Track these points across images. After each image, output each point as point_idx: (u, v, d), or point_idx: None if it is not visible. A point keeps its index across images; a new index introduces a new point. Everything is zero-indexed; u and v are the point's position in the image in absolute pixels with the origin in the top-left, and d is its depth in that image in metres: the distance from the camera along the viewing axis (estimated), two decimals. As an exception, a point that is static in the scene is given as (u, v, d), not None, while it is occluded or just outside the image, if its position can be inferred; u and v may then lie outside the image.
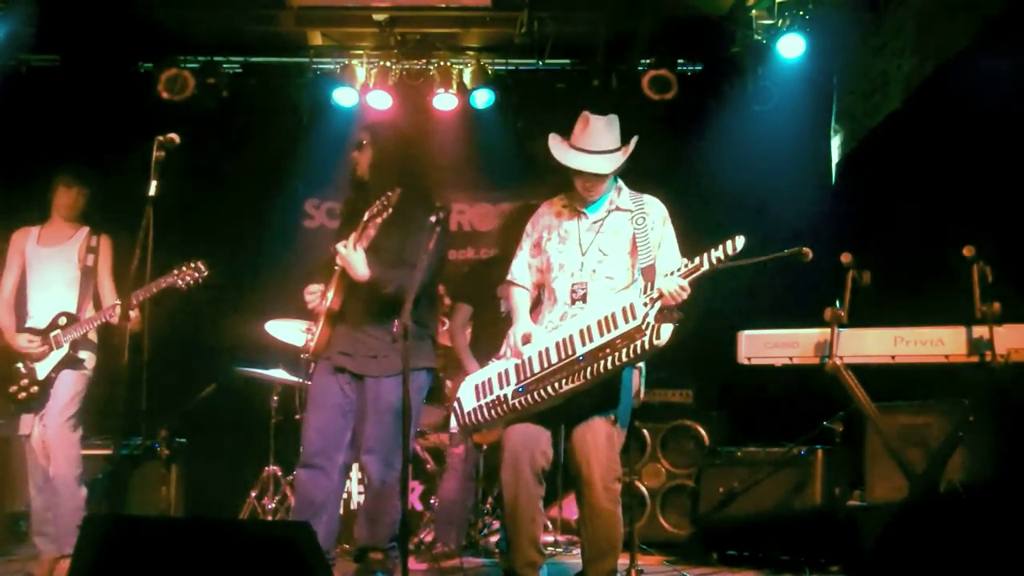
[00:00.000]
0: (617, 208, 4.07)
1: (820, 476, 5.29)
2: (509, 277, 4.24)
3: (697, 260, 3.77)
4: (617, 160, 4.00)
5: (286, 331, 5.94)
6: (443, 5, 6.93)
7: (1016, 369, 4.36)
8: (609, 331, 3.81)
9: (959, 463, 4.71)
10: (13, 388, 4.90)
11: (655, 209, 4.08)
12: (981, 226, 4.89)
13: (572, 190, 4.12)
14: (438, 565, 5.29)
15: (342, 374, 4.39)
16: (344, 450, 4.37)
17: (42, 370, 4.91)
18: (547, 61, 7.29)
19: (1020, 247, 4.82)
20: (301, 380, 5.95)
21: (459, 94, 7.23)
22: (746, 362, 4.88)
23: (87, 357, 4.98)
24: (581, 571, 4.05)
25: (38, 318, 5.00)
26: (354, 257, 4.22)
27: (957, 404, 4.85)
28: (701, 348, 5.48)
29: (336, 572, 4.31)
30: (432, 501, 5.98)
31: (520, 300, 4.18)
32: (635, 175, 4.21)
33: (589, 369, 3.80)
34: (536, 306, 4.20)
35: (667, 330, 3.73)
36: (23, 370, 4.90)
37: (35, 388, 4.89)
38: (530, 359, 3.96)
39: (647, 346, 3.73)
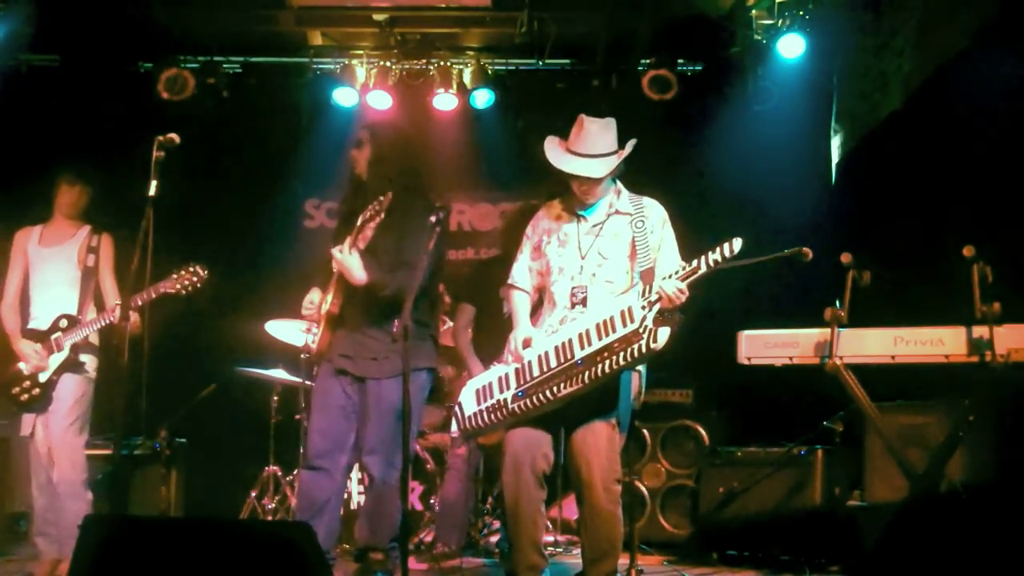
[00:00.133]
0: (617, 211, 4.06)
1: (820, 476, 5.29)
2: (509, 280, 4.24)
3: (695, 263, 3.77)
4: (611, 164, 3.99)
5: (286, 331, 5.94)
6: (443, 5, 6.93)
7: (1016, 369, 4.36)
8: (607, 335, 3.81)
9: (959, 463, 4.71)
10: (16, 390, 4.89)
11: (655, 212, 4.08)
12: (981, 226, 4.89)
13: (570, 193, 4.12)
14: (438, 565, 5.29)
15: (344, 376, 4.39)
16: (348, 452, 4.37)
17: (43, 372, 4.90)
18: (547, 61, 7.29)
19: (1020, 247, 4.82)
20: (301, 380, 5.95)
21: (459, 94, 7.24)
22: (746, 362, 4.88)
23: (88, 360, 4.96)
24: (581, 571, 4.05)
25: (40, 319, 4.99)
26: (350, 261, 4.22)
27: (957, 404, 4.85)
28: (701, 348, 5.48)
29: (336, 572, 4.31)
30: (432, 501, 5.98)
31: (520, 304, 4.17)
32: (635, 176, 4.20)
33: (587, 373, 3.80)
34: (537, 309, 4.20)
35: (664, 334, 3.73)
36: (25, 371, 4.90)
37: (37, 390, 4.87)
38: (529, 363, 3.96)
39: (644, 350, 3.73)
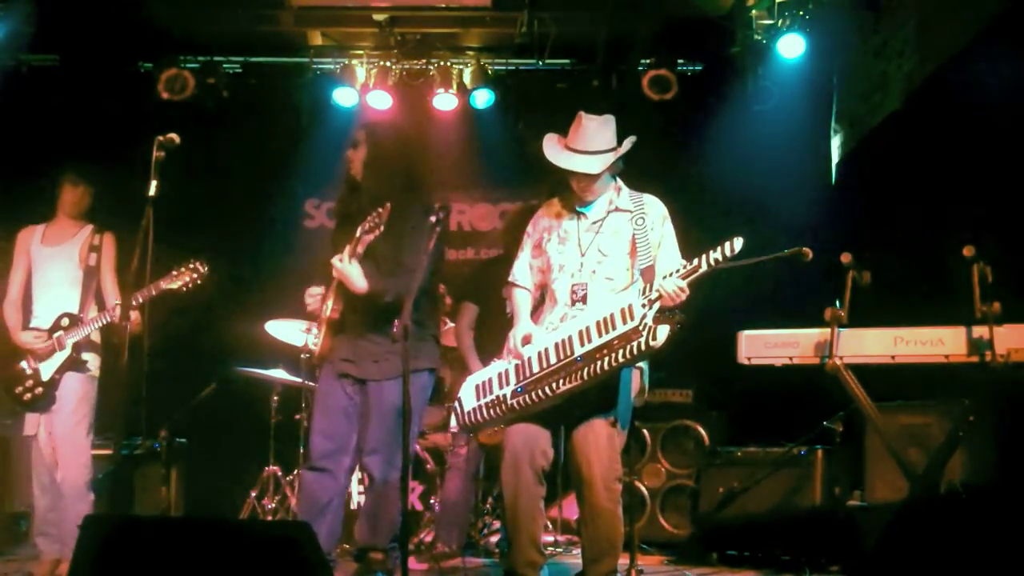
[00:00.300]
0: (617, 208, 4.07)
1: (820, 476, 5.29)
2: (510, 278, 4.24)
3: (696, 261, 3.77)
4: (608, 160, 3.99)
5: (286, 331, 5.94)
6: (443, 5, 6.93)
7: (1016, 369, 4.36)
8: (607, 332, 3.82)
9: (959, 463, 4.71)
10: (19, 389, 4.89)
11: (655, 209, 4.08)
12: (981, 226, 4.89)
13: (570, 190, 4.12)
14: (439, 565, 5.29)
15: (346, 379, 4.40)
16: (350, 453, 4.38)
17: (46, 371, 4.89)
18: (547, 61, 7.29)
19: (1020, 247, 4.82)
20: (301, 380, 5.95)
21: (459, 94, 7.24)
22: (746, 362, 4.88)
23: (91, 359, 4.96)
24: (581, 571, 4.05)
25: (42, 318, 4.99)
26: (350, 271, 4.22)
27: (957, 404, 4.85)
28: (701, 348, 5.48)
29: (336, 572, 4.31)
30: (432, 501, 5.98)
31: (521, 301, 4.18)
32: (635, 175, 4.21)
33: (586, 370, 3.81)
34: (538, 307, 4.20)
35: (663, 331, 3.73)
36: (28, 371, 4.90)
37: (40, 389, 4.87)
38: (529, 360, 3.96)
39: (644, 347, 3.73)
